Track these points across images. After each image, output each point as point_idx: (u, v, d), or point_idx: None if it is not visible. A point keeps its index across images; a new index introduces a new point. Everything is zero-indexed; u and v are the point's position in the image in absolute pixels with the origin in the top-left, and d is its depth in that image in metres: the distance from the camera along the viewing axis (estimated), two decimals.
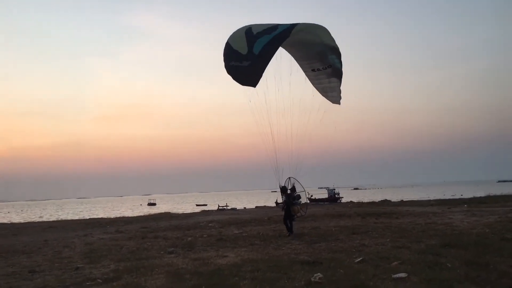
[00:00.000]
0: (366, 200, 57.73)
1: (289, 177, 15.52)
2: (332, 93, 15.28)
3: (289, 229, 15.65)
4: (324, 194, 75.00)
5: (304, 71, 15.41)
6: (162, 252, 12.75)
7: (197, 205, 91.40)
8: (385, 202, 41.76)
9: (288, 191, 15.57)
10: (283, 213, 15.81)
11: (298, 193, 15.70)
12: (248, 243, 14.01)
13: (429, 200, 42.66)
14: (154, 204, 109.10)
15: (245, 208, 49.84)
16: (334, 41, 14.38)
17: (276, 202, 16.75)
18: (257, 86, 12.36)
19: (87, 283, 8.84)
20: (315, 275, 8.17)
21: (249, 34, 13.04)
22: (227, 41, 13.36)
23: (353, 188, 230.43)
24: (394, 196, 72.86)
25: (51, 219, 48.90)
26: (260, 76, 12.25)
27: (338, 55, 14.65)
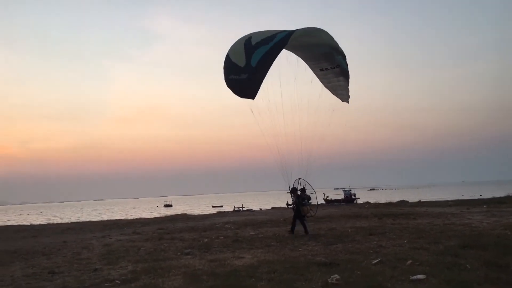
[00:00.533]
0: (383, 200, 57.12)
1: (299, 178, 15.88)
2: (341, 91, 15.70)
3: (292, 229, 16.39)
4: (340, 195, 74.49)
5: (313, 71, 15.73)
6: (179, 253, 12.83)
7: (213, 206, 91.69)
8: (402, 203, 41.24)
9: (298, 192, 15.97)
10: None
11: (308, 194, 16.06)
12: (264, 244, 14.01)
13: (447, 201, 42.02)
14: (170, 206, 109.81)
15: (261, 209, 49.78)
16: (337, 43, 14.80)
17: (287, 204, 17.39)
18: (262, 91, 12.58)
19: (106, 284, 8.95)
20: (332, 276, 8.13)
21: (248, 45, 13.22)
22: (227, 53, 13.59)
23: (369, 189, 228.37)
24: (412, 197, 71.96)
25: (69, 221, 49.63)
26: (258, 88, 12.47)
27: (344, 57, 15.08)
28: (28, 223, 44.23)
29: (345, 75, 15.41)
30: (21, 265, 12.20)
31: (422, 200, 49.87)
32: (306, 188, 16.01)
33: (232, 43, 13.80)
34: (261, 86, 12.54)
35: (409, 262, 9.37)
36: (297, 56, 15.52)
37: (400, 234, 14.77)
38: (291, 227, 16.59)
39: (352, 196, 70.43)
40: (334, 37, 14.72)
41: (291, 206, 16.67)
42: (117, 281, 9.13)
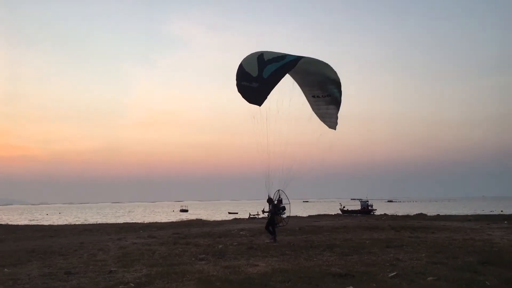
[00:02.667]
0: (400, 213, 56.32)
1: (278, 190, 17.39)
2: (329, 119, 17.23)
3: (272, 234, 17.58)
4: (356, 206, 73.73)
5: (306, 96, 17.24)
6: (193, 259, 12.83)
7: (229, 212, 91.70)
8: (420, 216, 40.56)
9: (275, 202, 17.39)
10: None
11: (284, 205, 17.57)
12: (279, 252, 13.92)
13: (467, 215, 41.12)
14: (186, 211, 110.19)
15: None
16: (336, 74, 16.18)
17: (263, 211, 19.00)
18: (261, 106, 14.10)
19: (120, 287, 8.99)
20: None
21: (261, 59, 14.73)
22: (241, 63, 15.07)
23: (387, 201, 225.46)
24: (430, 210, 70.76)
25: (86, 222, 50.28)
26: (265, 97, 14.01)
27: (338, 86, 16.42)
28: (46, 223, 44.96)
29: (336, 104, 16.76)
30: (38, 265, 12.37)
31: (440, 214, 48.96)
32: (283, 198, 17.48)
33: (246, 55, 15.26)
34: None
35: (429, 278, 9.15)
36: (293, 80, 16.78)
37: (417, 248, 14.52)
38: (270, 233, 17.77)
39: (369, 207, 69.56)
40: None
41: (266, 213, 18.10)
42: (131, 284, 9.17)
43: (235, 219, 44.90)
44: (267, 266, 11.14)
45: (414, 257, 12.32)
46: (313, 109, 17.37)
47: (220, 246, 16.04)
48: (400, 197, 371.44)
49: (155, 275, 10.14)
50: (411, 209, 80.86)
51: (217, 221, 38.17)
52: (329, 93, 16.58)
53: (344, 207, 71.70)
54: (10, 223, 48.80)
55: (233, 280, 9.23)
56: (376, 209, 69.35)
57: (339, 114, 16.99)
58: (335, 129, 17.24)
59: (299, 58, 14.86)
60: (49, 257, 13.86)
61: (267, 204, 17.69)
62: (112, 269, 11.19)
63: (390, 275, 9.49)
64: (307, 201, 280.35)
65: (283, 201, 17.57)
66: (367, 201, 71.90)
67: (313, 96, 17.00)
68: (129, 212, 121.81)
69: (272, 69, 14.33)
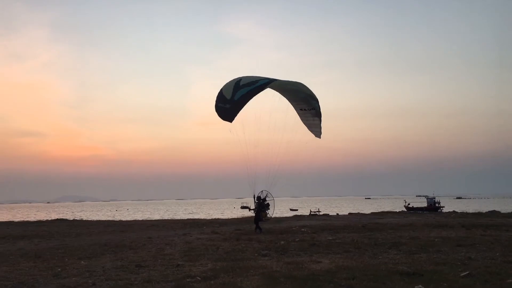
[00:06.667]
0: (470, 210, 53.38)
1: (262, 190, 20.48)
2: (315, 129, 20.20)
3: (259, 228, 20.45)
4: (422, 203, 70.85)
5: (295, 109, 20.09)
6: (256, 254, 12.98)
7: (291, 209, 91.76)
8: (493, 213, 38.23)
9: (261, 200, 20.44)
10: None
11: (268, 202, 20.67)
12: (342, 249, 13.72)
13: None
14: (247, 207, 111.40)
15: (337, 214, 48.75)
16: (312, 92, 19.26)
17: (249, 208, 22.60)
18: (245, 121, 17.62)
19: (187, 280, 9.30)
20: (416, 287, 7.76)
21: (237, 85, 17.74)
22: (221, 88, 18.16)
23: (455, 197, 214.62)
24: (504, 207, 66.44)
25: (153, 218, 52.41)
26: (234, 115, 17.38)
27: (317, 101, 19.55)
28: (116, 219, 47.44)
29: (319, 116, 19.82)
30: (110, 258, 13.10)
31: None
32: (267, 197, 20.60)
33: (227, 81, 18.36)
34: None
35: (505, 279, 8.59)
36: (284, 96, 19.83)
37: (491, 247, 13.73)
38: (256, 227, 20.60)
39: (436, 204, 66.57)
40: None
41: (252, 210, 21.22)
42: (198, 278, 9.45)
43: (296, 215, 44.80)
44: (330, 263, 11.02)
45: (488, 256, 11.67)
46: (302, 120, 20.25)
47: (282, 242, 16.08)
48: (470, 193, 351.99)
49: (220, 269, 10.39)
50: (483, 206, 76.48)
51: (278, 217, 38.25)
52: (313, 106, 19.55)
53: (409, 204, 69.12)
54: (84, 218, 52.01)
55: (297, 276, 9.22)
56: (443, 206, 66.27)
57: (322, 125, 20.20)
58: (319, 137, 20.35)
59: (270, 81, 17.81)
60: (120, 251, 14.63)
61: (262, 202, 20.56)
62: (179, 263, 11.60)
63: (461, 274, 9.06)
64: (369, 198, 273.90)
65: (268, 199, 20.64)
66: (434, 197, 68.83)
67: (301, 109, 19.86)
68: (192, 208, 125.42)
69: (242, 92, 17.37)
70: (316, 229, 21.62)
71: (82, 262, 12.28)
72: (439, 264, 10.53)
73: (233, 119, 17.37)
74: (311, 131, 20.29)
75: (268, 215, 20.94)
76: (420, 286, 7.80)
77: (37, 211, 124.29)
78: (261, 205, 20.46)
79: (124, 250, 14.79)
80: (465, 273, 9.14)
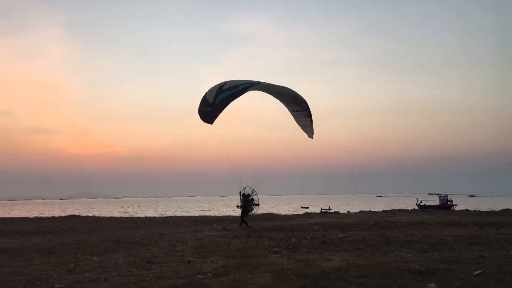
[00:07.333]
0: (484, 208, 52.79)
1: (245, 187, 22.01)
2: (307, 129, 21.15)
3: (245, 223, 22.03)
4: (435, 201, 70.27)
5: (289, 111, 21.05)
6: (267, 252, 12.99)
7: (301, 207, 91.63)
8: (507, 212, 37.74)
9: (247, 196, 22.09)
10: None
11: (252, 197, 22.27)
12: (353, 247, 13.67)
13: None
14: (257, 205, 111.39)
15: (348, 212, 48.53)
16: (298, 94, 20.06)
17: (237, 205, 23.10)
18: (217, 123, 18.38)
19: (199, 276, 9.34)
20: (428, 285, 7.69)
21: (220, 89, 18.52)
22: (206, 92, 18.90)
23: (468, 196, 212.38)
24: None
25: (164, 215, 52.72)
26: (214, 118, 18.26)
27: (306, 103, 20.37)
28: (128, 216, 47.81)
29: (310, 117, 20.64)
30: (123, 254, 13.22)
31: None
32: (251, 193, 22.23)
33: (211, 86, 19.08)
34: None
35: None
36: (276, 98, 20.72)
37: (505, 245, 13.58)
38: (244, 223, 22.11)
39: (449, 203, 65.98)
40: None
41: (240, 206, 22.48)
42: (209, 274, 9.49)
43: (307, 213, 44.69)
44: (342, 261, 10.99)
45: (502, 255, 11.54)
46: (296, 121, 21.12)
47: (293, 239, 16.07)
48: (483, 191, 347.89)
49: (231, 266, 10.42)
50: (496, 205, 75.59)
51: (289, 215, 38.23)
52: (304, 108, 20.41)
53: (421, 202, 68.63)
54: (97, 215, 52.51)
55: (308, 274, 9.21)
56: (456, 205, 65.68)
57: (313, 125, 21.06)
58: (312, 137, 21.24)
59: (252, 85, 18.61)
60: (132, 247, 14.74)
61: (247, 198, 22.14)
62: (190, 259, 11.66)
63: (475, 273, 8.96)
64: (380, 196, 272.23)
65: (252, 195, 22.29)
66: (447, 196, 68.23)
67: (294, 111, 20.76)
68: (205, 205, 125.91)
69: (223, 96, 18.22)
70: (327, 227, 21.56)
71: (95, 258, 12.41)
72: (451, 263, 10.44)
73: (213, 121, 18.28)
74: (305, 131, 21.23)
75: (254, 210, 22.61)
76: (432, 284, 7.73)
77: (51, 207, 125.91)
78: (247, 201, 22.16)
79: (136, 247, 14.90)
80: (478, 271, 9.04)
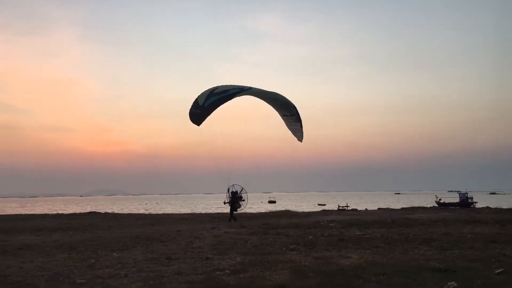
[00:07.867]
0: (505, 206, 51.76)
1: (233, 185, 23.90)
2: (298, 133, 22.08)
3: (233, 218, 24.29)
4: (454, 198, 69.16)
5: (280, 115, 21.91)
6: (284, 249, 12.99)
7: (319, 204, 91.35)
8: None
9: (235, 194, 24.07)
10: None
11: (241, 195, 24.21)
12: (371, 245, 13.56)
13: None
14: (274, 202, 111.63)
15: (366, 209, 48.15)
16: (287, 99, 21.02)
17: (224, 202, 24.89)
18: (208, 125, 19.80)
19: (217, 273, 9.41)
20: (448, 283, 7.59)
21: (211, 93, 19.55)
22: (198, 95, 19.91)
23: (489, 193, 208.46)
24: None
25: (182, 212, 53.16)
26: (202, 120, 19.42)
27: (295, 107, 21.26)
28: (147, 212, 48.36)
29: (299, 121, 21.46)
30: (142, 250, 13.39)
31: None
32: (239, 190, 24.05)
33: (203, 90, 20.17)
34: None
35: None
36: (267, 103, 21.60)
37: None
38: (232, 218, 24.41)
39: (469, 200, 64.87)
40: None
41: (227, 203, 24.31)
42: (227, 271, 9.55)
43: (324, 210, 44.55)
44: (359, 258, 10.92)
45: None
46: (287, 125, 21.97)
47: (310, 237, 16.03)
48: (504, 188, 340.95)
49: (249, 263, 10.46)
50: None
51: (306, 212, 38.15)
52: (293, 113, 21.20)
53: (440, 199, 67.61)
54: (116, 212, 53.24)
55: (326, 271, 9.18)
56: (476, 202, 64.50)
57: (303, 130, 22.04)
58: (301, 141, 22.21)
59: (242, 90, 19.55)
60: (151, 243, 14.92)
61: (241, 196, 24.17)
62: (208, 256, 11.75)
63: (496, 271, 8.81)
64: (399, 193, 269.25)
65: (242, 192, 24.18)
66: (467, 193, 67.08)
67: (284, 115, 21.56)
68: (216, 204, 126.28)
69: (212, 100, 19.23)
70: (344, 224, 21.44)
71: (115, 254, 12.60)
72: (472, 261, 10.28)
73: (200, 123, 19.45)
74: (295, 135, 22.23)
75: (241, 206, 24.46)
76: (453, 282, 7.63)
77: (72, 204, 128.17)
78: (235, 198, 24.03)
79: (154, 243, 15.08)
80: (499, 270, 8.88)
